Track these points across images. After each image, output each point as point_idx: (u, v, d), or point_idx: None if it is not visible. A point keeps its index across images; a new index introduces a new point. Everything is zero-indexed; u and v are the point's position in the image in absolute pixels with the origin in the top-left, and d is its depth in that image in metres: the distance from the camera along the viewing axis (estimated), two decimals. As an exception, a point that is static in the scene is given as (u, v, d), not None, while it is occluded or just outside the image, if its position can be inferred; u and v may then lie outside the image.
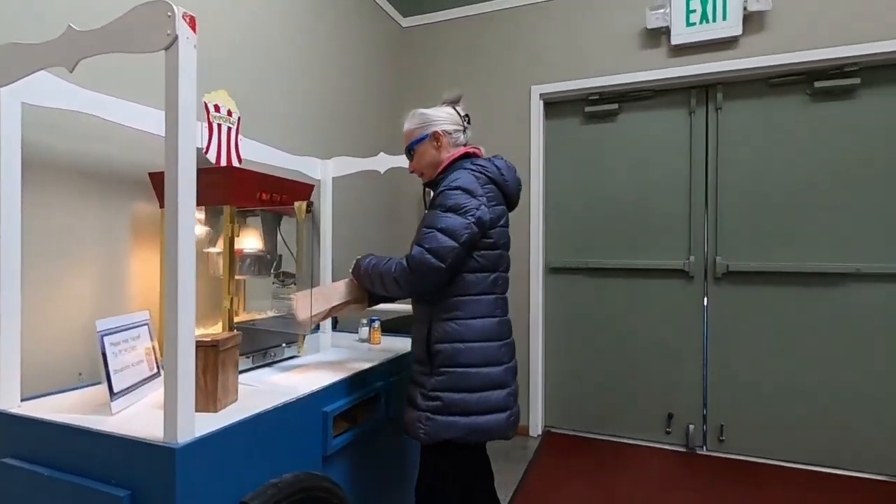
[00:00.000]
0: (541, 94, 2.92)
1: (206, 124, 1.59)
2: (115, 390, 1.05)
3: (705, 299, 2.70)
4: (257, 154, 1.85)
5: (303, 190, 1.65)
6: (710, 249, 2.69)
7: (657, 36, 2.67)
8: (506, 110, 3.00)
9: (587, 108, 2.88)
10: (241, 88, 1.95)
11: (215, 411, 1.05)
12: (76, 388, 1.23)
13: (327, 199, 2.19)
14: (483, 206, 1.23)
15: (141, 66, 1.57)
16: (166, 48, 0.86)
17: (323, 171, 2.20)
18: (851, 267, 2.41)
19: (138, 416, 1.02)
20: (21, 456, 1.01)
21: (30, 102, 1.10)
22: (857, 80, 2.38)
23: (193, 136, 0.87)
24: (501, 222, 1.29)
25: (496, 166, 1.32)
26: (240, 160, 1.72)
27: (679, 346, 2.74)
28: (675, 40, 2.57)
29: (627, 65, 2.73)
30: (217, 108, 1.63)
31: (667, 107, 2.77)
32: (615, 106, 2.82)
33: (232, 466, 0.96)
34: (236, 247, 1.48)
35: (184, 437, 0.86)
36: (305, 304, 1.34)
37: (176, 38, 0.85)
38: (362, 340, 2.00)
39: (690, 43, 2.56)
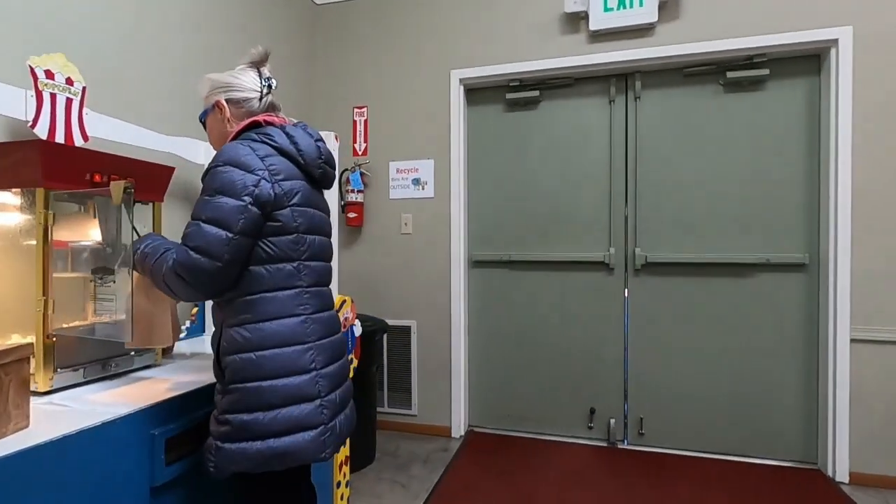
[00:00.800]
0: (461, 80, 2.78)
1: (33, 93, 1.34)
2: None
3: (626, 291, 2.66)
4: (115, 132, 1.60)
5: (158, 173, 1.43)
6: (629, 241, 2.65)
7: (576, 21, 2.59)
8: (425, 96, 2.85)
9: (508, 95, 2.77)
10: (103, 57, 1.68)
11: (-18, 444, 0.83)
12: None
13: (210, 186, 1.95)
14: (264, 182, 1.00)
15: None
16: None
17: (206, 153, 1.96)
18: (762, 257, 2.43)
19: None
20: None
21: None
22: (766, 72, 2.39)
23: None
24: (294, 200, 1.06)
25: (287, 134, 1.09)
26: (85, 137, 1.47)
27: (602, 340, 2.69)
28: (593, 25, 2.50)
29: (547, 50, 2.64)
30: (50, 75, 1.38)
31: (587, 95, 2.71)
32: (536, 93, 2.73)
33: (-11, 516, 0.75)
34: (63, 238, 1.24)
35: None
36: (162, 322, 1.12)
37: None
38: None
39: (608, 29, 2.50)
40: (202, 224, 0.97)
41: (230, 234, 0.97)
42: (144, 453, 1.01)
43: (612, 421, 2.64)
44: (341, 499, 1.79)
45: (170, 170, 1.46)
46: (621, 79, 2.65)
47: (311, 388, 1.03)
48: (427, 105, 2.85)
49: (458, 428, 2.80)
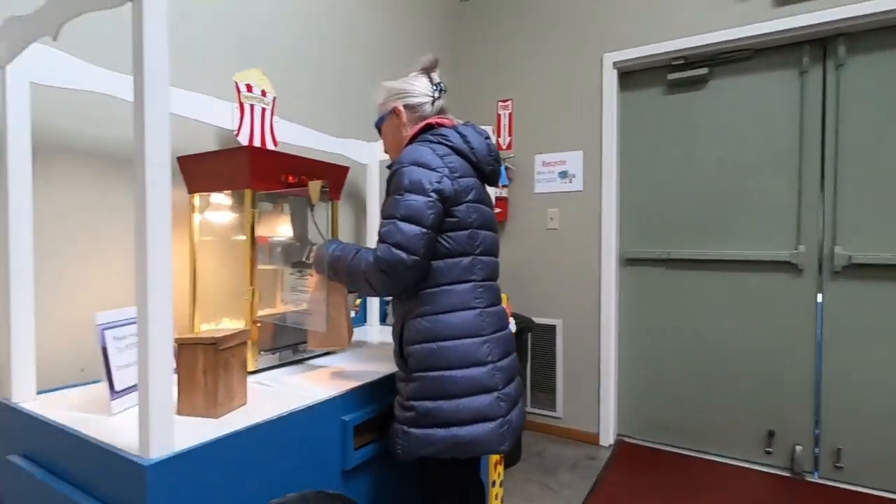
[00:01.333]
0: (614, 63, 2.58)
1: (237, 105, 1.51)
2: (117, 388, 0.98)
3: (819, 297, 2.24)
4: (295, 136, 1.76)
5: (335, 172, 1.52)
6: (826, 237, 2.23)
7: (759, -18, 2.23)
8: (574, 84, 2.70)
9: (670, 76, 2.50)
10: (279, 68, 1.86)
11: (215, 417, 0.94)
12: (84, 384, 1.17)
13: (373, 183, 2.06)
14: (445, 179, 1.05)
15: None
16: (133, -1, 0.73)
17: (370, 154, 2.07)
18: None
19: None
20: (27, 454, 0.96)
21: (39, 82, 1.04)
22: None
23: (164, 103, 0.73)
24: (470, 197, 1.10)
25: (460, 133, 1.13)
26: (275, 142, 1.63)
27: (783, 352, 2.31)
28: (782, -15, 2.13)
29: (720, 20, 2.32)
30: (249, 88, 1.54)
31: (771, 68, 2.32)
32: (705, 71, 2.42)
33: (226, 485, 0.84)
34: (261, 234, 1.38)
35: (158, 451, 0.74)
36: (339, 325, 1.19)
37: (141, -15, 0.72)
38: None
39: (803, -13, 2.11)
40: (398, 221, 1.02)
41: (423, 229, 1.02)
42: (336, 438, 1.07)
43: (799, 448, 2.25)
44: (496, 498, 1.77)
45: (345, 169, 1.56)
46: (817, 45, 2.23)
47: (489, 380, 1.05)
48: (575, 94, 2.70)
49: (607, 436, 2.63)
